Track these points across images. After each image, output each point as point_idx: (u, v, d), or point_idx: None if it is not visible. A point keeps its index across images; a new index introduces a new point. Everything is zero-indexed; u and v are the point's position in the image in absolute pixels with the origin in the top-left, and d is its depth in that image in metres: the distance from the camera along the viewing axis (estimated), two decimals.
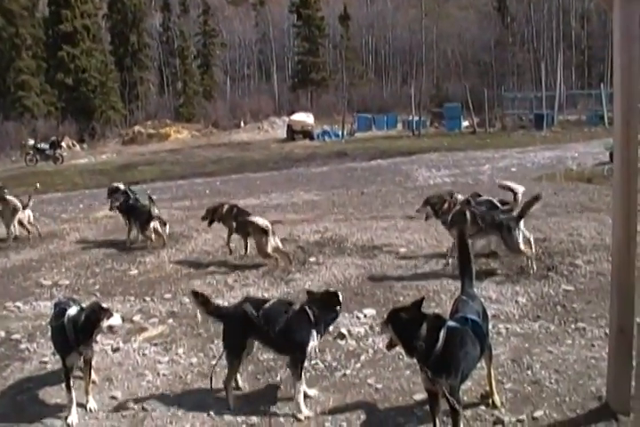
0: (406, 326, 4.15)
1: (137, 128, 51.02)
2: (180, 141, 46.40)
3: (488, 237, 8.26)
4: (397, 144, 31.85)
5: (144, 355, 6.28)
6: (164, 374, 5.80)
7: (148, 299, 7.97)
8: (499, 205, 8.73)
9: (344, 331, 6.34)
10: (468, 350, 4.19)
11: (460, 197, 8.94)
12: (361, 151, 28.45)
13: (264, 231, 8.79)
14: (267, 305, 5.18)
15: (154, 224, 10.72)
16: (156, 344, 6.51)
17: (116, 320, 5.07)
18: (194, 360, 6.01)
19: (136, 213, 10.98)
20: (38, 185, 13.21)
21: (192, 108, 60.38)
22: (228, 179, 21.61)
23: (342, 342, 6.18)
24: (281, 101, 63.81)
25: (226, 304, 7.19)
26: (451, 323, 4.23)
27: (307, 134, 40.15)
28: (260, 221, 8.96)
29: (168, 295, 8.04)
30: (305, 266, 8.84)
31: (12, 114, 48.71)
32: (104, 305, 5.18)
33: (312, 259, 9.15)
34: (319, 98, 61.19)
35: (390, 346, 4.42)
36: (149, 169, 27.87)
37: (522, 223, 7.89)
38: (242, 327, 5.12)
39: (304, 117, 42.26)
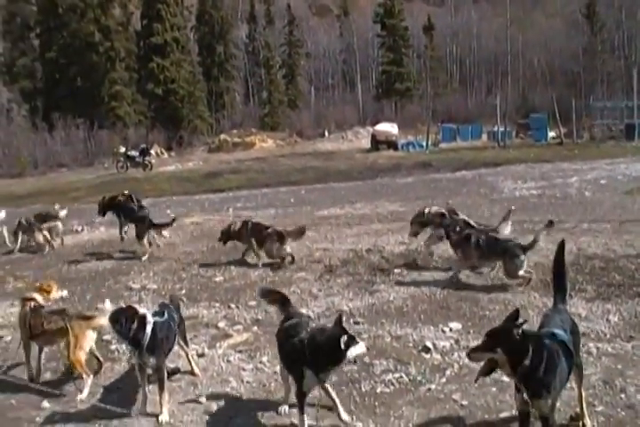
0: (518, 346, 3.95)
1: (223, 137, 52.05)
2: (264, 150, 47.05)
3: (492, 262, 8.45)
4: (482, 155, 31.35)
5: (228, 361, 6.36)
6: (247, 382, 5.86)
7: (232, 306, 8.06)
8: (474, 224, 9.11)
9: (429, 344, 6.26)
10: (563, 369, 4.07)
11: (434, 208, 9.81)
12: (445, 162, 28.14)
13: (281, 239, 9.74)
14: (287, 323, 5.23)
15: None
16: (240, 351, 6.58)
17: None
18: (278, 369, 6.01)
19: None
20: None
21: (277, 117, 61.12)
22: (313, 188, 21.72)
23: (427, 356, 6.09)
24: (365, 111, 63.85)
25: (310, 313, 7.27)
26: (547, 341, 4.09)
27: (391, 144, 40.05)
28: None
29: (252, 303, 8.08)
30: (390, 277, 8.76)
31: (106, 123, 50.59)
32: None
33: (397, 270, 9.06)
34: (403, 108, 60.91)
35: (490, 371, 4.15)
36: (235, 177, 28.33)
37: (527, 254, 7.94)
38: None
39: (388, 128, 42.18)
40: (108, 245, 12.60)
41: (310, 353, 4.63)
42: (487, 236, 8.39)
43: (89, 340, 5.86)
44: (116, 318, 5.33)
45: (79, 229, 14.66)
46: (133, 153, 36.48)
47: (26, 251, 12.69)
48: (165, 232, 11.76)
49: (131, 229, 11.86)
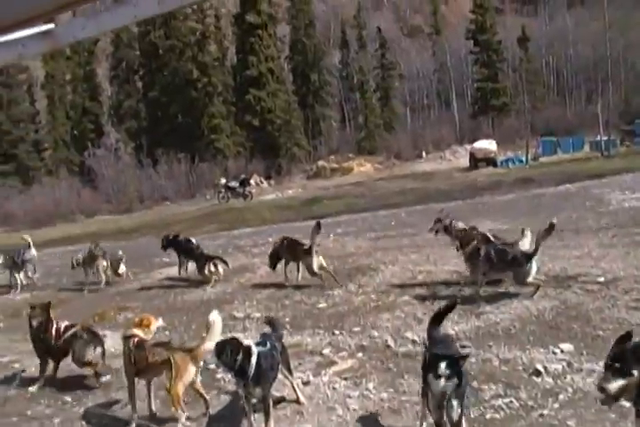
0: None
1: (321, 163, 52.65)
2: (362, 174, 47.23)
3: (501, 273, 8.71)
4: (586, 167, 30.35)
5: (334, 389, 6.31)
6: (354, 409, 5.79)
7: (337, 332, 8.01)
8: (492, 238, 9.33)
9: (540, 367, 6.00)
10: None
11: (460, 224, 10.14)
12: (547, 176, 27.35)
13: (308, 252, 10.32)
14: None
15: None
16: (345, 378, 6.52)
17: None
18: (384, 395, 5.94)
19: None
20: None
21: (373, 140, 61.21)
22: (413, 210, 21.48)
23: (538, 380, 5.84)
24: (462, 129, 63.00)
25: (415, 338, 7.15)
26: None
27: (490, 162, 39.46)
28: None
29: (357, 329, 8.03)
30: (495, 298, 8.50)
31: (206, 156, 52.19)
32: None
33: (501, 289, 8.81)
34: (501, 124, 59.74)
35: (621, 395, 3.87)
36: (334, 203, 28.50)
37: (535, 258, 8.24)
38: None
39: (486, 145, 41.61)
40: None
41: None
42: (496, 248, 8.60)
43: (190, 373, 5.87)
44: (221, 349, 5.38)
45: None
46: (234, 184, 37.47)
47: (128, 283, 13.25)
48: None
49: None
